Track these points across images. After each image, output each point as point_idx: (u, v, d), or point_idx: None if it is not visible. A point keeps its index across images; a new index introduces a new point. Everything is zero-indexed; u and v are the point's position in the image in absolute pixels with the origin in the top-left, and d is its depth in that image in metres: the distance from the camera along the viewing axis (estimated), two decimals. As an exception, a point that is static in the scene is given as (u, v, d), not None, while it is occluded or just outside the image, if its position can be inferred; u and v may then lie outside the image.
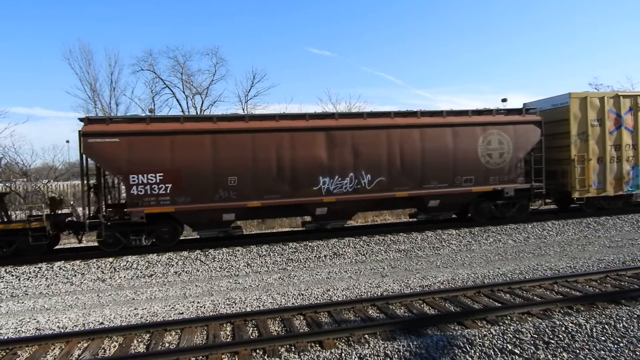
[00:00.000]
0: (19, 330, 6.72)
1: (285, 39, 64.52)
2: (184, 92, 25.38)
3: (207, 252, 11.10)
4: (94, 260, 10.74)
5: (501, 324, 5.92)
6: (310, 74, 63.92)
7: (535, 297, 7.10)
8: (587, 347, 5.04)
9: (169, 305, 7.66)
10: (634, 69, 68.15)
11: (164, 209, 10.87)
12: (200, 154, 10.96)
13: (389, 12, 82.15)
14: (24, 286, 9.52)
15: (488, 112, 13.11)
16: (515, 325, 5.65)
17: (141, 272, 10.13)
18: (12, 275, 9.95)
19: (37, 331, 6.66)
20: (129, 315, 7.24)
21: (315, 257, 10.94)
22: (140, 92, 65.51)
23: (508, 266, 9.40)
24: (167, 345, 5.85)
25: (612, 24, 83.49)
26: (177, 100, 25.35)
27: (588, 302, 6.62)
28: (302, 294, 7.88)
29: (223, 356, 5.30)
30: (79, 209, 11.73)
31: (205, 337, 5.98)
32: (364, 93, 70.56)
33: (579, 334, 5.29)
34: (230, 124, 11.37)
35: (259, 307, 7.32)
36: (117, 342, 5.97)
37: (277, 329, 6.20)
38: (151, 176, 10.72)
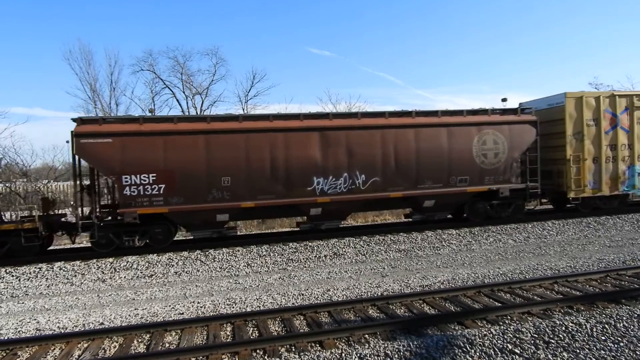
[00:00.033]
0: (19, 331, 6.73)
1: (285, 39, 64.44)
2: (184, 92, 25.37)
3: (207, 252, 11.10)
4: (94, 260, 10.74)
5: (501, 323, 5.92)
6: (310, 74, 63.86)
7: (535, 297, 7.10)
8: (587, 346, 5.04)
9: (169, 306, 7.67)
10: (634, 68, 67.97)
11: (157, 210, 10.84)
12: (194, 154, 10.92)
13: (389, 12, 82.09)
14: (24, 286, 9.52)
15: (483, 112, 13.06)
16: (515, 325, 5.64)
17: (141, 273, 10.13)
18: (13, 276, 9.95)
19: (37, 331, 6.66)
20: (129, 315, 7.24)
21: (315, 257, 10.94)
22: (140, 93, 65.59)
23: (508, 266, 9.40)
24: (167, 345, 5.85)
25: (612, 24, 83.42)
26: (177, 100, 25.34)
27: (588, 301, 6.62)
28: (303, 294, 7.89)
29: (223, 356, 5.30)
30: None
31: (205, 337, 5.98)
32: (364, 93, 70.47)
33: (579, 334, 5.29)
34: (224, 124, 11.32)
35: (259, 307, 7.32)
36: (117, 342, 5.97)
37: (277, 329, 6.20)
38: (144, 177, 10.69)
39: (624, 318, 5.67)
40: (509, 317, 6.13)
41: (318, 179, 11.63)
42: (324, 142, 11.65)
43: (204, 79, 36.52)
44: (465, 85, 70.32)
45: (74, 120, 10.81)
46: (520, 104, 14.79)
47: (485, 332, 5.34)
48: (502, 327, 5.58)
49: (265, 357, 5.23)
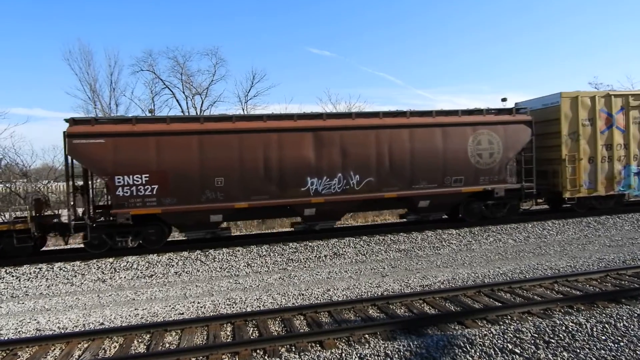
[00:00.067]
0: (19, 331, 6.73)
1: (285, 39, 64.49)
2: (183, 93, 25.39)
3: (207, 252, 11.10)
4: (94, 260, 10.74)
5: (501, 323, 5.92)
6: (310, 74, 63.88)
7: (535, 297, 7.10)
8: (587, 346, 5.04)
9: (170, 306, 7.67)
10: (634, 68, 68.01)
11: (150, 210, 10.80)
12: (187, 154, 10.87)
13: (389, 12, 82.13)
14: (25, 287, 9.52)
15: (478, 112, 13.01)
16: (515, 324, 5.64)
17: (141, 273, 10.13)
18: (13, 276, 9.95)
19: (38, 332, 6.67)
20: (129, 315, 7.24)
21: (315, 257, 10.94)
22: (140, 93, 65.73)
23: (508, 265, 9.40)
24: (167, 345, 5.85)
25: (612, 24, 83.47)
26: (177, 100, 25.35)
27: (588, 301, 6.62)
28: (303, 294, 7.89)
29: (223, 356, 5.30)
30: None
31: (205, 338, 5.98)
32: (364, 93, 70.48)
33: (580, 333, 5.29)
34: (217, 125, 11.28)
35: (259, 307, 7.32)
36: (117, 342, 5.97)
37: (277, 329, 6.20)
38: (137, 177, 10.64)
39: (624, 318, 5.67)
40: (509, 317, 6.13)
41: (312, 180, 11.59)
42: (318, 143, 11.61)
43: (204, 79, 36.61)
44: (465, 85, 70.39)
45: (66, 120, 10.74)
46: (515, 103, 14.74)
47: (485, 332, 5.34)
48: (502, 326, 5.58)
49: (266, 357, 5.23)
